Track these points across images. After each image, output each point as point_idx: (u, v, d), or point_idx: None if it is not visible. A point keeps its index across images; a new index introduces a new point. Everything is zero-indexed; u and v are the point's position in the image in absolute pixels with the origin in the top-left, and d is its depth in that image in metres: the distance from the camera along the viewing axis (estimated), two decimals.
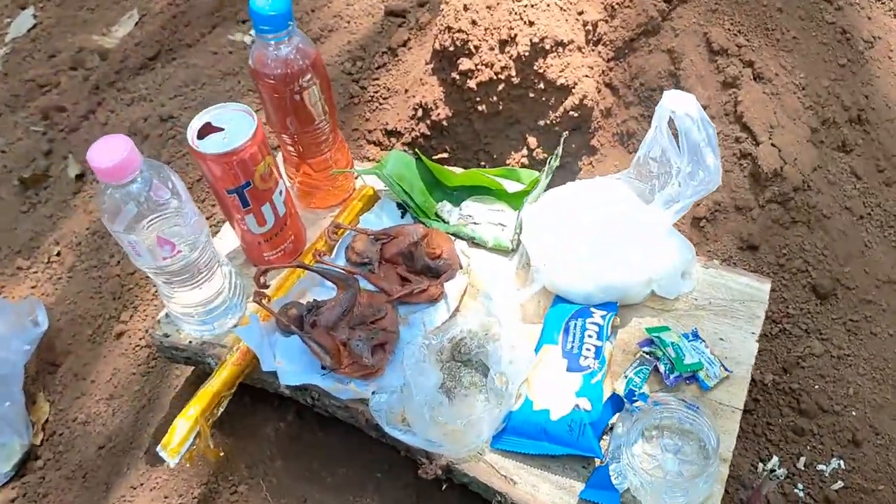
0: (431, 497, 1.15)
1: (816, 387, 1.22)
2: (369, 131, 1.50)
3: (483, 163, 1.42)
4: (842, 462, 1.18)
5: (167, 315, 1.23)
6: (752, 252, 1.27)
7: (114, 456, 1.34)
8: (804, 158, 1.27)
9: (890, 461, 1.17)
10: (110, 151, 0.95)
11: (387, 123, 1.48)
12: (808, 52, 1.35)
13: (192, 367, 1.33)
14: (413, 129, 1.45)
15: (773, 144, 1.26)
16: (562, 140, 1.18)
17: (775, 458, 1.18)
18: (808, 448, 1.19)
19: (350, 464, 1.22)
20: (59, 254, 1.64)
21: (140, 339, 1.45)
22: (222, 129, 1.09)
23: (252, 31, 1.88)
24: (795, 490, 1.16)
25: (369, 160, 1.48)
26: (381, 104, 1.50)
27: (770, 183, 1.26)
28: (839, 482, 1.16)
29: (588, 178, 1.38)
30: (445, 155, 1.43)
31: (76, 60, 2.09)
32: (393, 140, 1.48)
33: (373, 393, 1.07)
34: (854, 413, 1.20)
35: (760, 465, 1.18)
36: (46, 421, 1.44)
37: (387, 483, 1.19)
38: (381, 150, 1.49)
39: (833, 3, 1.39)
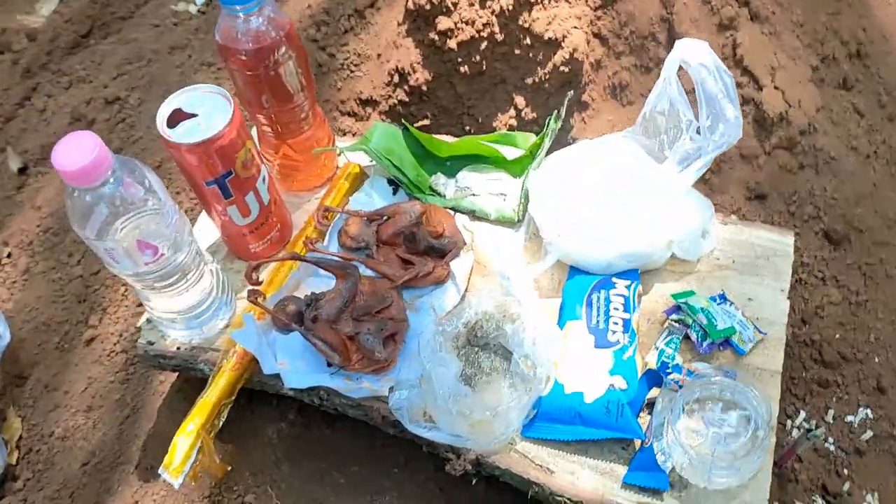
0: (456, 488, 1.09)
1: (837, 336, 1.18)
2: (342, 102, 1.40)
3: (468, 127, 1.34)
4: (869, 411, 1.15)
5: (148, 321, 1.13)
6: (760, 202, 1.22)
7: (100, 472, 1.26)
8: (808, 99, 1.22)
9: None
10: (76, 151, 0.84)
11: (361, 92, 1.38)
12: None
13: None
14: (390, 97, 1.35)
15: (776, 87, 1.20)
16: (566, 100, 1.10)
17: (803, 413, 1.14)
18: (835, 400, 1.15)
19: (363, 461, 1.15)
20: (10, 255, 1.52)
21: (114, 343, 1.36)
22: (195, 115, 0.98)
23: (197, 1, 1.75)
24: (826, 445, 1.13)
25: (345, 133, 1.38)
26: (352, 72, 1.40)
27: (776, 128, 1.20)
28: (868, 432, 1.13)
29: (581, 135, 1.31)
30: (427, 122, 1.34)
31: (1, 44, 1.93)
32: (369, 109, 1.38)
33: (390, 389, 0.99)
34: (877, 359, 1.17)
35: (788, 421, 1.14)
36: (20, 438, 1.34)
37: (405, 478, 1.12)
38: (357, 121, 1.39)
39: None
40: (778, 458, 1.09)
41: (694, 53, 0.97)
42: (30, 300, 1.46)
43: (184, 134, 0.97)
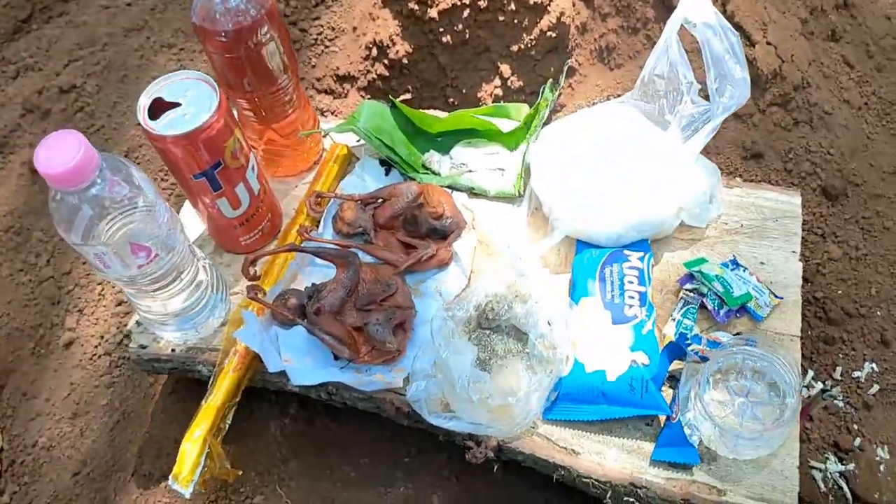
0: (472, 474, 1.06)
1: (839, 292, 1.18)
2: (317, 79, 1.34)
3: (452, 99, 1.29)
4: (874, 365, 1.15)
5: (138, 323, 1.07)
6: (756, 161, 1.21)
7: (94, 482, 1.21)
8: (800, 53, 1.20)
9: None
10: (60, 152, 0.78)
11: (337, 68, 1.32)
12: None
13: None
14: (369, 71, 1.30)
15: (768, 43, 1.17)
16: (565, 69, 1.06)
17: (811, 372, 1.14)
18: (841, 356, 1.15)
19: (372, 453, 1.11)
20: None
21: (95, 346, 1.29)
22: (178, 105, 0.92)
23: None
24: (836, 401, 1.13)
25: (323, 112, 1.32)
26: (327, 47, 1.33)
27: (769, 85, 1.18)
28: (875, 386, 1.13)
29: (569, 101, 1.27)
30: (409, 96, 1.29)
31: None
32: (346, 86, 1.32)
33: (404, 381, 0.95)
34: (879, 313, 1.17)
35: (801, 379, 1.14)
36: (1, 450, 1.28)
37: (418, 468, 1.09)
38: (335, 98, 1.33)
39: None
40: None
41: (698, 12, 0.94)
42: None
43: (168, 125, 0.91)
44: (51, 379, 1.30)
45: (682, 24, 0.97)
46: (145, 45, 1.54)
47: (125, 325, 1.28)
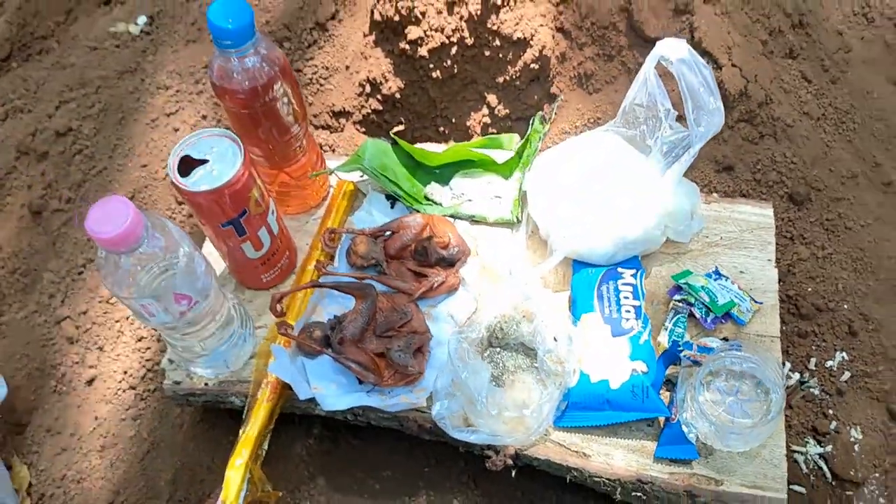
0: (490, 479, 1.15)
1: (809, 289, 1.28)
2: (315, 116, 1.41)
3: (443, 129, 1.38)
4: (844, 354, 1.26)
5: (170, 360, 1.15)
6: (728, 173, 1.31)
7: None
8: (762, 73, 1.30)
9: (882, 342, 1.26)
10: (110, 218, 0.85)
11: (333, 104, 1.40)
12: None
13: None
14: (363, 106, 1.38)
15: (733, 65, 1.28)
16: (554, 106, 1.15)
17: (788, 364, 1.25)
18: (814, 348, 1.26)
19: (394, 466, 1.20)
20: None
21: (119, 381, 1.36)
22: (206, 161, 1.00)
23: (138, 21, 1.72)
24: (811, 389, 1.24)
25: (322, 147, 1.40)
26: (322, 85, 1.41)
27: (737, 104, 1.28)
28: (846, 373, 1.24)
29: (552, 125, 1.37)
30: (402, 127, 1.38)
31: None
32: (342, 121, 1.40)
33: (427, 400, 1.04)
34: (846, 306, 1.28)
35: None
36: (30, 485, 1.34)
37: (438, 476, 1.18)
38: (332, 133, 1.41)
39: None
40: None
41: (673, 51, 1.04)
42: (16, 347, 1.43)
43: (198, 182, 0.98)
44: (75, 415, 1.36)
45: (659, 60, 1.06)
46: (140, 88, 1.59)
47: (147, 360, 1.35)
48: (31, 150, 1.66)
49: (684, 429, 0.99)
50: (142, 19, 1.70)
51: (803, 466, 1.19)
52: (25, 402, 1.40)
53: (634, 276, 1.09)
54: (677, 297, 1.10)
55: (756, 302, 1.09)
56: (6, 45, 1.90)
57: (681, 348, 1.05)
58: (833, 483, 1.17)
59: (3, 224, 1.58)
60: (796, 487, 1.17)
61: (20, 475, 1.34)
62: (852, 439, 1.19)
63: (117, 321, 1.39)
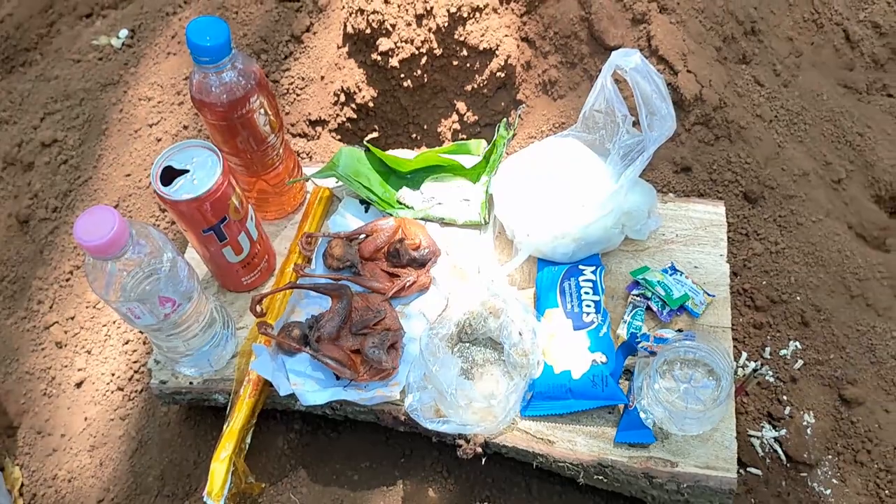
0: (462, 468, 1.22)
1: (764, 283, 1.35)
2: (292, 124, 1.47)
3: (415, 135, 1.44)
4: (797, 343, 1.33)
5: (156, 361, 1.20)
6: (686, 174, 1.38)
7: None
8: (716, 78, 1.37)
9: (833, 331, 1.33)
10: (96, 226, 0.91)
11: (309, 113, 1.46)
12: None
13: None
14: (338, 115, 1.44)
15: (689, 71, 1.35)
16: (517, 113, 1.22)
17: (744, 354, 1.32)
18: (769, 338, 1.33)
19: (371, 457, 1.26)
20: None
21: (107, 383, 1.41)
22: (187, 171, 1.06)
23: (120, 34, 1.77)
24: (767, 378, 1.31)
25: (299, 154, 1.46)
26: (298, 95, 1.47)
27: (692, 108, 1.35)
28: (799, 361, 1.31)
29: (519, 130, 1.43)
30: (376, 135, 1.44)
31: None
32: (318, 129, 1.47)
33: (401, 393, 1.11)
34: (798, 298, 1.35)
35: (733, 362, 1.32)
36: (22, 485, 1.39)
37: (413, 466, 1.24)
38: (308, 140, 1.47)
39: None
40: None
41: (627, 60, 1.10)
42: (6, 353, 1.49)
43: (180, 191, 1.04)
44: (65, 416, 1.41)
45: (614, 69, 1.13)
46: (123, 99, 1.64)
47: (134, 362, 1.40)
48: (18, 161, 1.71)
49: (642, 415, 1.06)
50: (123, 33, 1.76)
51: (759, 450, 1.25)
52: (16, 405, 1.45)
53: (594, 272, 1.16)
54: (635, 291, 1.16)
55: (709, 295, 1.16)
56: None
57: (638, 340, 1.11)
58: (788, 465, 1.23)
59: None
60: (753, 470, 1.23)
61: (12, 476, 1.39)
62: (805, 423, 1.26)
63: (104, 325, 1.44)
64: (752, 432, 1.26)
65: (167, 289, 1.00)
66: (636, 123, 1.16)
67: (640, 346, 1.10)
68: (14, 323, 1.53)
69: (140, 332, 1.40)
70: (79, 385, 1.43)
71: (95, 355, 1.43)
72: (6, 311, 1.55)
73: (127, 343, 1.42)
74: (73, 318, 1.48)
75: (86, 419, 1.40)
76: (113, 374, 1.40)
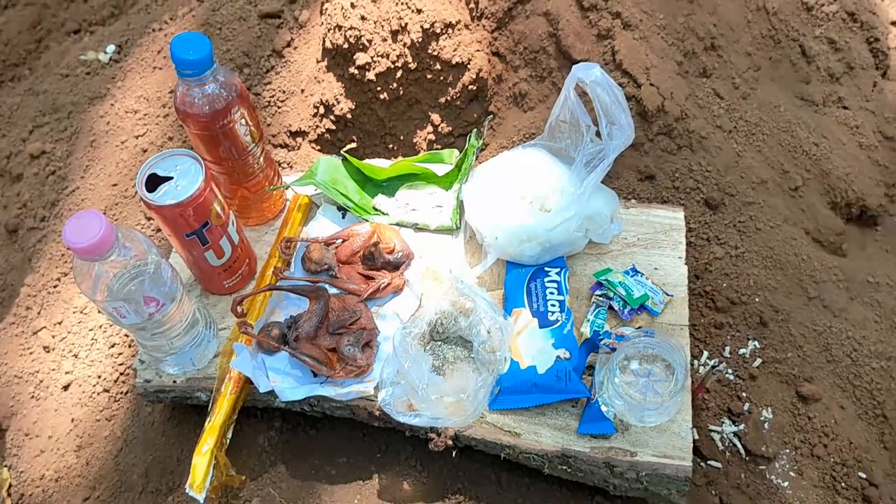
0: (434, 462, 1.27)
1: (724, 285, 1.42)
2: (273, 135, 1.53)
3: (391, 146, 1.50)
4: (756, 343, 1.39)
5: (141, 361, 1.25)
6: (650, 181, 1.44)
7: (104, 503, 1.36)
8: (678, 91, 1.44)
9: (791, 331, 1.39)
10: (84, 229, 0.97)
11: (290, 125, 1.52)
12: None
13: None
14: (318, 126, 1.50)
15: (651, 84, 1.41)
16: (487, 121, 1.29)
17: (705, 353, 1.38)
18: (729, 338, 1.39)
19: (348, 453, 1.31)
20: None
21: (94, 385, 1.45)
22: (170, 178, 1.11)
23: (107, 49, 1.82)
24: (727, 375, 1.37)
25: (280, 164, 1.52)
26: (279, 107, 1.53)
27: (655, 119, 1.42)
28: (758, 359, 1.37)
29: (491, 140, 1.50)
30: (354, 145, 1.50)
31: None
32: (299, 140, 1.53)
33: (375, 389, 1.16)
34: (757, 299, 1.42)
35: (695, 361, 1.38)
36: (10, 486, 1.43)
37: (388, 461, 1.29)
38: (289, 151, 1.53)
39: None
40: (690, 391, 1.33)
41: (589, 74, 1.17)
42: None
43: (164, 196, 1.10)
44: (52, 418, 1.45)
45: (577, 81, 1.20)
46: (110, 112, 1.70)
47: (120, 364, 1.45)
48: (7, 173, 1.76)
49: (603, 408, 1.12)
50: (110, 48, 1.82)
51: (720, 444, 1.31)
52: (5, 408, 1.49)
53: (559, 273, 1.22)
54: (598, 292, 1.23)
55: (668, 294, 1.22)
56: None
57: (601, 337, 1.18)
58: (747, 458, 1.29)
59: None
60: (713, 463, 1.29)
61: (1, 477, 1.43)
62: (763, 419, 1.31)
63: (91, 330, 1.49)
64: (712, 427, 1.31)
65: (152, 289, 1.05)
66: (599, 133, 1.22)
67: (601, 342, 1.16)
68: (3, 328, 1.57)
69: (126, 333, 1.45)
70: (66, 388, 1.47)
71: (82, 359, 1.48)
72: (3, 317, 1.59)
73: (113, 346, 1.46)
74: (60, 323, 1.52)
75: (72, 420, 1.44)
76: (99, 377, 1.45)
